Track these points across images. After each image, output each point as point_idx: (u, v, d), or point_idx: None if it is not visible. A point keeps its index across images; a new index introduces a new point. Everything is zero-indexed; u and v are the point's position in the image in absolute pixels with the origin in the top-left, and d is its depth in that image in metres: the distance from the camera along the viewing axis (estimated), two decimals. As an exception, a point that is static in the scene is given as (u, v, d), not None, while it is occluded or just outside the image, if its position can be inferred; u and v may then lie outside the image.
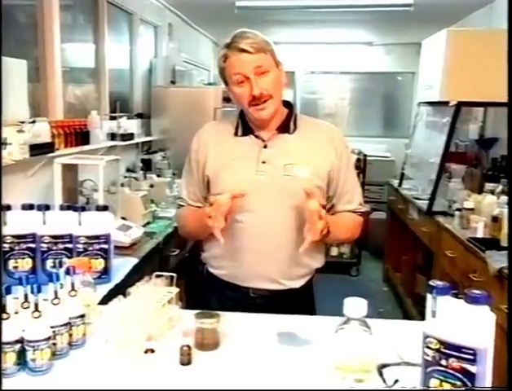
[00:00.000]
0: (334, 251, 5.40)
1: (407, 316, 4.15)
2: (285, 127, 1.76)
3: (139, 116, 4.54)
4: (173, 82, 5.11)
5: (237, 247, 1.73)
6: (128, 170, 4.07)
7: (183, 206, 1.87)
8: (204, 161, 1.77)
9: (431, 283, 1.10)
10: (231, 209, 1.57)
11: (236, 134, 1.77)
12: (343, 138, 1.82)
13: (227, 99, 4.43)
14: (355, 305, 1.19)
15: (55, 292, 1.33)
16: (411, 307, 4.16)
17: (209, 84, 5.97)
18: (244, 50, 1.61)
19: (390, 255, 5.15)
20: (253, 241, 1.71)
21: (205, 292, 1.88)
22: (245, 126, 1.76)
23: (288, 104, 1.81)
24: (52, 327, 1.29)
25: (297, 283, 1.78)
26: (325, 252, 1.88)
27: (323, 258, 1.86)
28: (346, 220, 1.80)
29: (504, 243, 2.71)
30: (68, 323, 1.35)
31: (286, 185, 1.67)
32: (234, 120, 1.80)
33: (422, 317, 1.15)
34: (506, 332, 1.67)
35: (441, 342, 1.07)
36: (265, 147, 1.72)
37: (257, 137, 1.74)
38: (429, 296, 1.10)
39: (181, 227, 1.92)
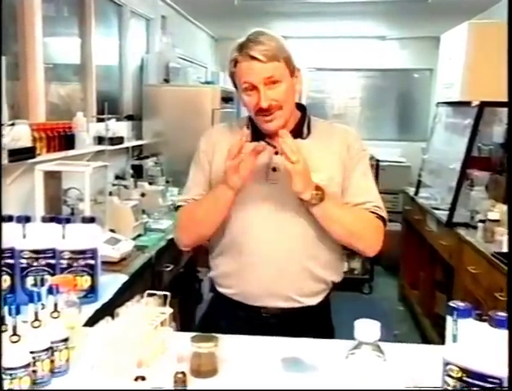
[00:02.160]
0: (344, 267, 5.37)
1: (425, 339, 4.13)
2: (298, 132, 1.77)
3: (130, 117, 4.55)
4: (166, 81, 5.11)
5: (246, 262, 1.74)
6: (117, 177, 4.07)
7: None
8: (210, 164, 1.80)
9: (452, 304, 1.10)
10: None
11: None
12: (360, 141, 1.83)
13: (225, 99, 4.45)
14: (368, 328, 1.18)
15: (36, 314, 1.32)
16: (429, 329, 4.15)
17: (207, 82, 5.98)
18: (254, 58, 1.62)
19: (405, 271, 5.14)
20: (264, 255, 1.72)
21: (214, 314, 1.89)
22: (256, 131, 1.77)
23: (301, 107, 1.83)
24: (32, 353, 1.29)
25: (314, 300, 1.79)
26: (342, 265, 1.88)
27: (341, 271, 1.87)
28: (358, 210, 1.73)
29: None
30: (50, 348, 1.34)
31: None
32: (244, 124, 1.82)
33: (442, 340, 1.14)
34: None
35: (463, 370, 1.07)
36: (276, 153, 1.73)
37: (268, 143, 1.75)
38: (449, 319, 1.09)
39: (184, 223, 1.82)
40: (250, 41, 1.65)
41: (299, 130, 1.78)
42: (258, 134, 1.77)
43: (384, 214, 1.76)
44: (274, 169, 1.72)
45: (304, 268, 1.74)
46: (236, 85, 1.74)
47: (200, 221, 1.76)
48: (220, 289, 1.85)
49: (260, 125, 1.73)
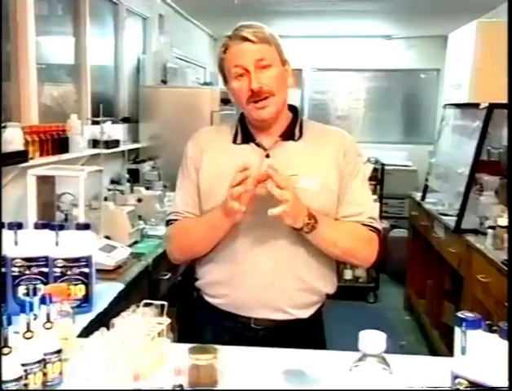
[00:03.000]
0: (348, 274, 5.39)
1: (433, 350, 4.13)
2: (290, 134, 1.77)
3: (126, 120, 4.56)
4: (164, 82, 5.12)
5: (235, 270, 1.74)
6: (112, 182, 4.07)
7: (176, 221, 1.82)
8: (198, 170, 1.78)
9: (460, 314, 1.10)
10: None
11: (234, 142, 1.78)
12: (355, 145, 1.82)
13: (225, 101, 4.45)
14: (373, 340, 1.17)
15: (28, 324, 1.32)
16: (437, 340, 4.14)
17: (206, 84, 5.99)
18: (246, 39, 1.64)
19: (412, 279, 5.14)
20: (254, 263, 1.71)
21: (200, 324, 1.87)
22: (246, 133, 1.78)
23: (292, 108, 1.83)
24: (24, 365, 1.28)
25: (306, 313, 1.78)
26: (337, 274, 1.88)
27: (334, 282, 1.85)
28: (351, 226, 1.75)
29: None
30: (43, 360, 1.34)
31: None
32: (233, 125, 1.82)
33: (451, 351, 1.14)
34: None
35: (472, 383, 1.07)
36: (267, 156, 1.73)
37: (258, 145, 1.75)
38: (457, 330, 1.09)
39: (176, 244, 1.84)
40: (241, 26, 1.68)
41: (291, 132, 1.77)
42: (247, 136, 1.77)
43: (378, 225, 1.79)
44: None
45: (296, 277, 1.73)
46: (225, 77, 1.74)
47: (196, 243, 1.78)
48: (207, 298, 1.83)
49: (251, 115, 1.71)
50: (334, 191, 1.73)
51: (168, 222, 1.86)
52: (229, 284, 1.76)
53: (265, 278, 1.71)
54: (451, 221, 3.77)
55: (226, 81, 1.75)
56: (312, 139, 1.78)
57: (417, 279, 4.97)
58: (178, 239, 1.83)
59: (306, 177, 1.69)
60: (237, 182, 1.56)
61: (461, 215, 3.64)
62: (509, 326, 1.05)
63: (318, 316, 1.84)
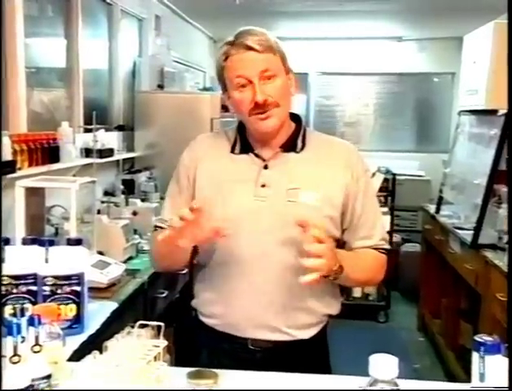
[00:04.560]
0: (358, 292, 5.38)
1: (449, 374, 4.11)
2: (291, 144, 1.77)
3: (120, 128, 4.56)
4: (161, 87, 5.14)
5: (231, 288, 1.74)
6: (106, 194, 4.07)
7: (161, 228, 1.83)
8: (193, 180, 1.79)
9: (478, 338, 1.09)
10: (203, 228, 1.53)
11: (232, 151, 1.79)
12: (362, 160, 1.84)
13: (226, 108, 4.45)
14: (384, 364, 1.17)
15: (15, 348, 1.32)
16: (453, 362, 4.12)
17: (205, 89, 6.02)
18: (249, 48, 1.64)
19: (426, 297, 5.12)
20: (250, 281, 1.71)
21: (196, 345, 1.87)
22: (244, 142, 1.79)
23: (295, 118, 1.83)
24: (11, 392, 1.28)
25: (306, 333, 1.78)
26: (341, 297, 1.88)
27: (338, 304, 1.86)
28: (367, 257, 1.80)
29: None
30: (31, 386, 1.33)
31: (289, 213, 1.66)
32: (232, 134, 1.83)
33: (468, 375, 1.13)
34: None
35: (492, 412, 1.06)
36: (265, 167, 1.73)
37: (257, 156, 1.76)
38: (475, 355, 1.09)
39: (153, 254, 1.90)
40: (243, 32, 1.67)
41: (292, 143, 1.77)
42: (246, 146, 1.78)
43: (387, 246, 1.84)
44: (263, 186, 1.71)
45: (295, 297, 1.73)
46: (224, 85, 1.74)
47: (165, 259, 1.83)
48: (203, 318, 1.83)
49: (254, 127, 1.72)
50: (337, 207, 1.74)
51: (154, 228, 1.88)
52: (224, 304, 1.76)
53: (261, 298, 1.72)
54: (467, 235, 3.76)
55: (225, 90, 1.75)
56: (316, 151, 1.78)
57: (431, 298, 4.95)
58: (154, 248, 1.88)
59: (308, 191, 1.70)
60: (181, 216, 1.50)
61: (478, 229, 3.63)
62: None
63: (321, 337, 1.83)
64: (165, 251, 1.74)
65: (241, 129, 1.80)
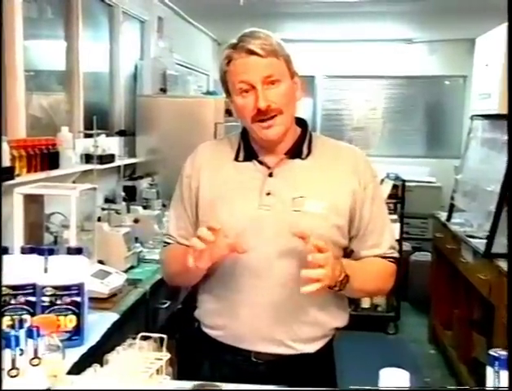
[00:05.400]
0: (366, 302, 5.37)
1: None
2: (297, 151, 1.77)
3: (121, 133, 4.57)
4: (163, 90, 5.15)
5: (235, 300, 1.74)
6: (107, 201, 4.07)
7: (169, 244, 1.89)
8: (196, 190, 1.79)
9: (492, 352, 1.08)
10: (222, 247, 1.58)
11: (236, 159, 1.79)
12: (370, 166, 1.83)
13: (230, 112, 4.45)
14: (394, 378, 1.17)
15: (13, 361, 1.32)
16: (466, 376, 4.10)
17: (209, 93, 6.02)
18: (252, 52, 1.64)
19: (437, 308, 5.10)
20: (254, 292, 1.72)
21: (198, 357, 1.88)
22: (248, 149, 1.79)
23: (301, 122, 1.83)
24: (9, 406, 1.28)
25: (312, 347, 1.77)
26: (348, 307, 1.88)
27: (345, 316, 1.86)
28: (375, 267, 1.80)
29: None
30: (30, 400, 1.33)
31: (295, 222, 1.66)
32: (235, 140, 1.83)
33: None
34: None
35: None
36: (270, 175, 1.73)
37: (261, 163, 1.76)
38: (489, 370, 1.08)
39: (164, 271, 1.96)
40: (246, 36, 1.67)
41: (298, 149, 1.77)
42: (249, 153, 1.78)
43: (397, 254, 1.84)
44: (268, 194, 1.71)
45: (300, 309, 1.73)
46: (227, 90, 1.74)
47: (176, 277, 1.89)
48: (205, 330, 1.84)
49: (257, 135, 1.72)
50: (344, 215, 1.73)
51: (164, 243, 1.92)
52: (227, 315, 1.76)
53: (265, 309, 1.72)
54: (480, 244, 3.74)
55: (228, 94, 1.76)
56: (322, 158, 1.78)
57: (442, 308, 4.94)
58: (163, 269, 1.96)
59: (313, 199, 1.69)
60: (201, 238, 1.53)
61: (491, 237, 3.61)
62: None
63: (327, 351, 1.83)
64: (179, 270, 1.75)
65: (245, 135, 1.81)
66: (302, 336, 1.75)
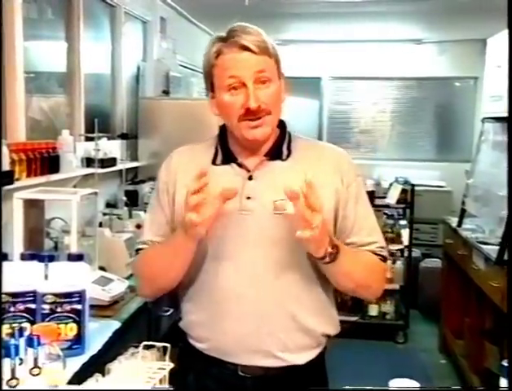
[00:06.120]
0: (374, 310, 5.35)
1: (472, 398, 4.07)
2: (277, 152, 1.75)
3: (123, 136, 4.57)
4: (166, 92, 5.16)
5: (217, 310, 1.72)
6: (108, 205, 4.08)
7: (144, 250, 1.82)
8: (173, 196, 1.77)
9: (505, 363, 1.08)
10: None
11: (214, 163, 1.77)
12: (353, 164, 1.82)
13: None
14: (405, 388, 1.16)
15: (13, 371, 1.32)
16: (479, 387, 4.08)
17: (213, 94, 6.01)
18: (245, 48, 1.61)
19: (447, 316, 5.09)
20: (238, 301, 1.69)
21: (181, 370, 1.82)
22: (226, 152, 1.77)
23: (279, 123, 1.80)
24: (8, 417, 1.28)
25: (302, 358, 1.74)
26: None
27: (335, 321, 1.83)
28: (365, 256, 1.75)
29: None
30: (30, 411, 1.33)
31: (278, 226, 1.66)
32: (212, 144, 1.81)
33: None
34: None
35: None
36: (250, 178, 1.72)
37: (240, 166, 1.74)
38: (503, 382, 1.08)
39: (144, 275, 1.82)
40: (237, 30, 1.64)
41: (278, 150, 1.75)
42: (228, 156, 1.76)
43: (386, 254, 1.81)
44: (248, 198, 1.69)
45: (286, 316, 1.70)
46: (211, 85, 1.71)
47: (160, 274, 1.75)
48: (190, 341, 1.81)
49: (242, 135, 1.68)
50: (328, 215, 1.68)
51: (137, 252, 1.84)
52: (211, 327, 1.74)
53: (250, 319, 1.69)
54: (492, 250, 3.73)
55: (211, 90, 1.72)
56: (303, 159, 1.76)
57: (453, 317, 4.93)
58: (142, 269, 1.82)
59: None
60: (194, 191, 1.50)
61: (503, 244, 3.60)
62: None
63: (318, 363, 1.80)
64: (165, 262, 1.70)
65: (223, 137, 1.79)
66: (290, 346, 1.71)
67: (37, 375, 1.37)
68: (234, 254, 1.67)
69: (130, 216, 3.82)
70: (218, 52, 1.65)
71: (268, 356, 1.70)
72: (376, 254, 1.76)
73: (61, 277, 1.89)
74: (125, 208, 3.92)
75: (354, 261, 1.69)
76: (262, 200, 1.68)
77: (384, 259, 1.78)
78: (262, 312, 1.68)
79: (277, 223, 1.66)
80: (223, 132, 1.79)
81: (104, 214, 3.66)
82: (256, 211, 1.68)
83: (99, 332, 2.17)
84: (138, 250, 1.83)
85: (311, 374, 1.77)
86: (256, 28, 1.67)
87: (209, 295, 1.72)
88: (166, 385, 1.50)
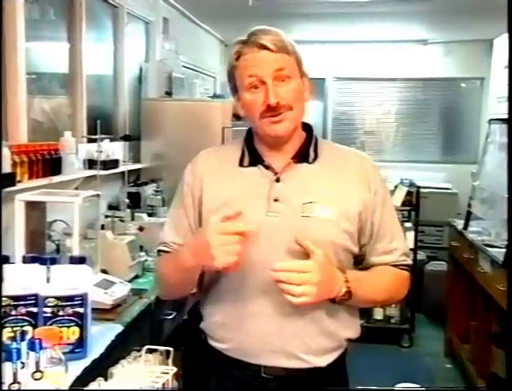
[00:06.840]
0: (379, 314, 5.35)
1: (479, 403, 4.07)
2: (303, 155, 1.77)
3: (126, 137, 4.57)
4: (169, 94, 5.16)
5: (243, 311, 1.73)
6: (110, 208, 4.08)
7: (165, 252, 1.85)
8: (199, 199, 1.79)
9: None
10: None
11: (241, 164, 1.79)
12: (377, 168, 1.84)
13: (238, 116, 4.46)
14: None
15: (14, 375, 1.32)
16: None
17: (216, 96, 6.02)
18: (264, 47, 1.65)
19: (453, 320, 5.09)
20: (264, 302, 1.70)
21: (204, 371, 1.86)
22: (253, 154, 1.78)
23: (306, 127, 1.84)
24: (10, 421, 1.28)
25: (324, 360, 1.76)
26: (360, 317, 1.88)
27: (357, 327, 1.85)
28: (385, 275, 1.79)
29: None
30: (32, 416, 1.34)
31: (304, 229, 1.67)
32: (239, 146, 1.83)
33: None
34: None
35: None
36: (277, 180, 1.73)
37: (267, 168, 1.75)
38: None
39: (162, 281, 1.90)
40: (257, 31, 1.69)
41: (305, 153, 1.77)
42: (255, 157, 1.78)
43: (409, 261, 1.85)
44: (275, 200, 1.71)
45: (312, 319, 1.72)
46: (235, 87, 1.75)
47: (175, 285, 1.83)
48: (212, 342, 1.82)
49: (265, 131, 1.71)
50: (354, 221, 1.73)
51: (158, 253, 1.89)
52: (234, 328, 1.75)
53: (274, 321, 1.71)
54: (499, 253, 3.74)
55: (235, 92, 1.77)
56: (329, 162, 1.78)
57: (459, 320, 4.92)
58: (159, 273, 1.90)
59: (323, 205, 1.69)
60: (234, 232, 1.52)
61: (510, 246, 3.60)
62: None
63: (339, 365, 1.82)
64: (179, 276, 1.74)
65: (249, 139, 1.81)
66: (313, 348, 1.73)
67: (39, 379, 1.38)
68: (260, 256, 1.67)
69: (133, 218, 3.82)
70: (239, 53, 1.70)
71: (291, 357, 1.72)
72: (398, 265, 1.80)
73: (63, 280, 1.89)
74: (128, 211, 3.92)
75: (373, 290, 1.75)
76: (289, 203, 1.70)
77: (407, 267, 1.83)
78: (286, 313, 1.70)
79: (304, 226, 1.67)
80: (250, 133, 1.81)
81: (106, 216, 3.65)
82: (283, 213, 1.70)
83: (102, 336, 2.17)
84: (159, 251, 1.88)
85: (333, 376, 1.80)
86: (276, 29, 1.71)
87: (232, 297, 1.73)
88: (170, 389, 1.50)
